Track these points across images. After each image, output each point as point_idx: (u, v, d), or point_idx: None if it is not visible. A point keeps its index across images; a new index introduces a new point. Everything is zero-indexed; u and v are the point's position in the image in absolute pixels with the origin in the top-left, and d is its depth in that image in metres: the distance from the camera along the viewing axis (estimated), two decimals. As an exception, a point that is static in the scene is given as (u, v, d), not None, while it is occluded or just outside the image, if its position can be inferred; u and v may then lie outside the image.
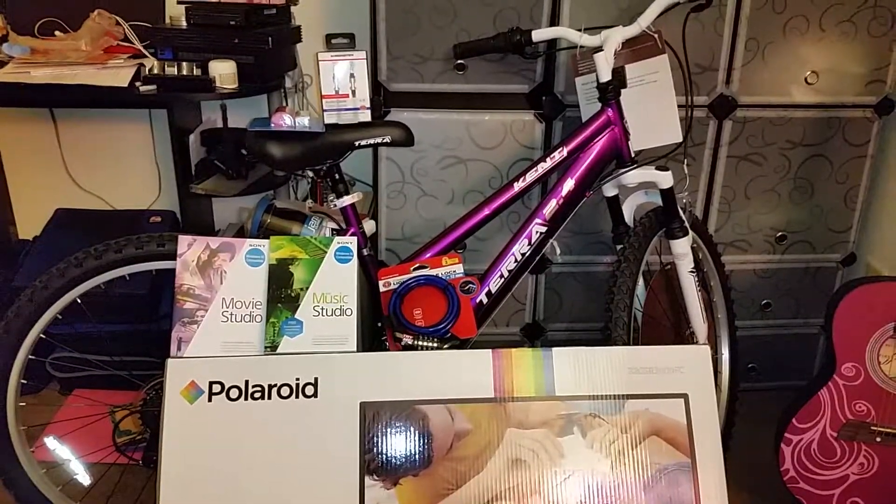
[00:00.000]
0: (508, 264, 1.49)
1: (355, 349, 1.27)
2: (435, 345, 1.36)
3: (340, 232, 1.49)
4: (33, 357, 1.34)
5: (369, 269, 1.46)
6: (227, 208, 2.23)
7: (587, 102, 1.64)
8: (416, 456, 1.15)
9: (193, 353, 1.25)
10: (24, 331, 1.31)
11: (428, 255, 1.47)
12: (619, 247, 1.57)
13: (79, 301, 1.34)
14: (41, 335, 1.33)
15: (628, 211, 1.62)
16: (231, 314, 1.27)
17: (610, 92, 1.46)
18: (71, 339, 1.73)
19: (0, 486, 1.35)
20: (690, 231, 1.56)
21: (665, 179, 1.50)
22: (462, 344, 1.41)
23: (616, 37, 1.45)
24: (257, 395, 1.16)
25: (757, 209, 1.91)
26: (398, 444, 1.15)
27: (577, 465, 1.16)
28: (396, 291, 1.39)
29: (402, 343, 1.36)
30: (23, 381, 1.33)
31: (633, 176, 1.50)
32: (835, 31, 1.77)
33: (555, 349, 1.21)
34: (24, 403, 1.35)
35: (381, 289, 1.43)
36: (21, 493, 1.35)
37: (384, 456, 1.15)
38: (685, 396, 1.20)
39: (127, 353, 1.73)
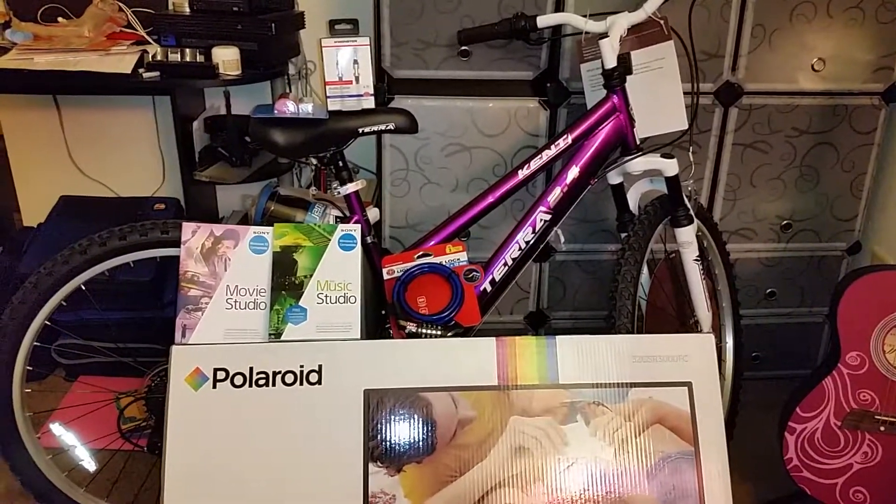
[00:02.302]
0: (512, 252, 1.49)
1: (359, 337, 1.27)
2: (438, 332, 1.36)
3: (344, 219, 1.49)
4: (38, 344, 1.34)
5: (373, 257, 1.46)
6: (231, 195, 2.23)
7: (592, 89, 1.63)
8: (420, 443, 1.16)
9: (198, 340, 1.25)
10: (29, 318, 1.31)
11: (432, 242, 1.47)
12: (623, 235, 1.56)
13: (83, 288, 1.34)
14: (46, 322, 1.33)
15: (633, 199, 1.61)
16: (235, 301, 1.27)
17: (615, 78, 1.45)
18: (76, 326, 1.73)
19: (6, 472, 1.36)
20: (695, 219, 1.55)
21: (670, 167, 1.49)
22: (466, 332, 1.41)
23: (622, 23, 1.44)
24: (262, 382, 1.17)
25: (762, 197, 1.90)
26: (402, 431, 1.16)
27: (580, 453, 1.16)
28: (400, 279, 1.38)
29: (406, 331, 1.36)
30: (28, 367, 1.34)
31: (638, 163, 1.49)
32: (842, 18, 1.75)
33: (558, 337, 1.21)
34: (29, 390, 1.36)
35: (385, 276, 1.42)
36: (27, 479, 1.36)
37: (388, 443, 1.15)
38: (689, 385, 1.20)
39: (132, 340, 1.74)
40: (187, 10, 1.87)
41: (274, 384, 1.17)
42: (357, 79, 1.37)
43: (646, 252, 1.47)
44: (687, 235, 1.54)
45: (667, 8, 1.45)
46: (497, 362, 1.19)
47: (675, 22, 1.51)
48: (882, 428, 1.48)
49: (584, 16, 1.48)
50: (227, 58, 1.79)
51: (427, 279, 1.39)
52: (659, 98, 1.54)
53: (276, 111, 1.37)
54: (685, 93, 1.53)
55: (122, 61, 1.79)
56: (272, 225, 1.31)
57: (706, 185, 1.88)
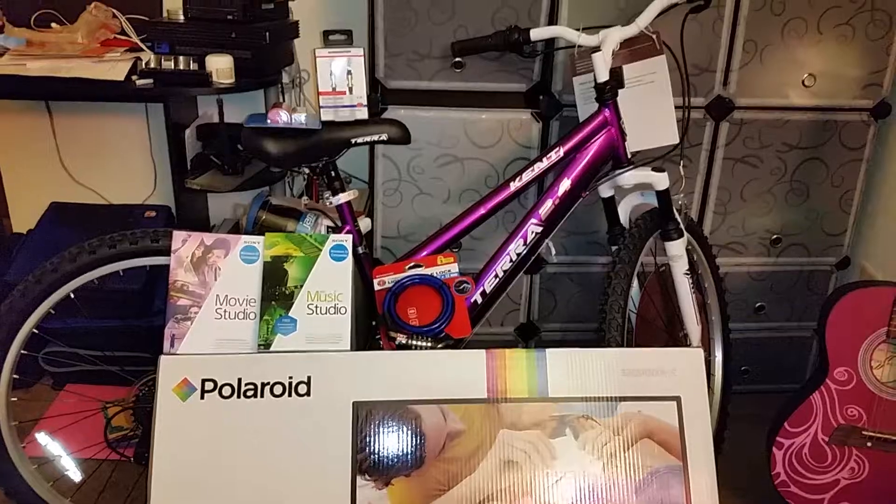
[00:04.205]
0: (504, 264, 1.49)
1: (349, 348, 1.26)
2: (429, 344, 1.36)
3: (336, 229, 1.49)
4: (26, 352, 1.33)
5: (364, 268, 1.46)
6: (223, 204, 2.23)
7: (584, 102, 1.63)
8: (409, 456, 1.15)
9: (186, 349, 1.24)
10: (16, 325, 1.30)
11: (423, 253, 1.47)
12: (614, 248, 1.57)
13: (72, 296, 1.33)
14: (34, 330, 1.32)
15: (624, 212, 1.62)
16: (225, 311, 1.27)
17: (607, 92, 1.46)
18: (64, 334, 1.72)
19: (-9, 481, 1.35)
20: (685, 233, 1.56)
21: (661, 181, 1.49)
22: (456, 343, 1.41)
23: (614, 37, 1.44)
24: (250, 393, 1.16)
25: (752, 212, 1.91)
26: (390, 443, 1.15)
27: (569, 467, 1.16)
28: (391, 290, 1.38)
29: (396, 342, 1.36)
30: (15, 375, 1.33)
31: (629, 177, 1.50)
32: (832, 34, 1.77)
33: (548, 350, 1.21)
34: (15, 398, 1.35)
35: (376, 287, 1.42)
36: (12, 489, 1.35)
37: (376, 456, 1.15)
38: (678, 399, 1.20)
39: (120, 349, 1.72)
40: (181, 17, 1.87)
41: (262, 395, 1.16)
42: (350, 89, 1.38)
43: (636, 265, 1.47)
44: (677, 249, 1.55)
45: (659, 22, 1.46)
46: (487, 375, 1.19)
47: (668, 36, 1.52)
48: (869, 444, 1.48)
49: (578, 29, 1.49)
50: (220, 66, 1.79)
51: (418, 290, 1.39)
52: (650, 112, 1.55)
53: (269, 120, 1.37)
54: (676, 107, 1.54)
55: (115, 68, 1.79)
56: (263, 234, 1.31)
57: (696, 198, 1.89)
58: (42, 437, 1.58)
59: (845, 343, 1.47)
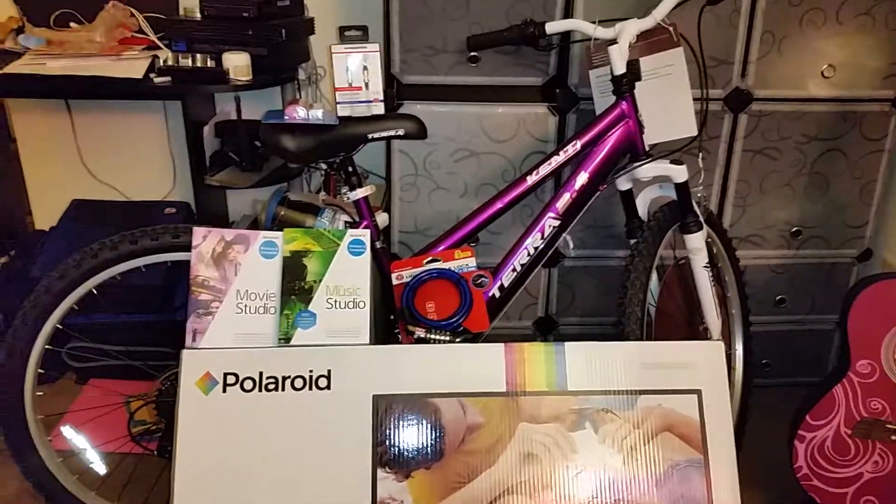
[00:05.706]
0: (521, 258, 1.49)
1: (368, 342, 1.27)
2: (447, 338, 1.36)
3: (353, 224, 1.49)
4: (50, 347, 1.35)
5: (382, 262, 1.46)
6: (241, 200, 2.24)
7: (601, 95, 1.63)
8: (428, 449, 1.16)
9: (208, 344, 1.25)
10: (40, 321, 1.32)
11: (441, 248, 1.47)
12: (632, 241, 1.56)
13: (94, 292, 1.35)
14: (58, 325, 1.34)
15: (642, 205, 1.61)
16: (245, 306, 1.28)
17: (624, 85, 1.45)
18: (87, 330, 1.74)
19: (18, 475, 1.37)
20: (705, 225, 1.55)
21: (679, 173, 1.49)
22: (474, 337, 1.41)
23: (631, 29, 1.44)
24: (271, 386, 1.17)
25: (772, 204, 1.89)
26: (410, 436, 1.16)
27: (588, 461, 1.16)
28: (409, 284, 1.39)
29: (415, 336, 1.36)
30: (40, 370, 1.35)
31: (647, 170, 1.49)
32: (852, 24, 1.75)
33: (567, 343, 1.21)
34: (41, 393, 1.37)
35: (394, 282, 1.43)
36: (38, 482, 1.37)
37: (396, 448, 1.15)
38: (698, 392, 1.19)
39: (142, 344, 1.74)
40: (198, 15, 1.88)
41: (283, 389, 1.17)
42: (367, 85, 1.38)
43: (655, 258, 1.47)
44: (696, 242, 1.54)
45: (676, 14, 1.45)
46: (506, 368, 1.19)
47: (685, 29, 1.51)
48: (893, 437, 1.47)
49: (594, 22, 1.48)
50: (237, 63, 1.80)
51: (436, 285, 1.40)
52: (668, 104, 1.54)
53: (286, 117, 1.37)
54: (694, 99, 1.53)
55: (133, 66, 1.80)
56: (282, 230, 1.32)
57: (716, 191, 1.88)
58: (67, 431, 1.60)
59: (868, 335, 1.45)
